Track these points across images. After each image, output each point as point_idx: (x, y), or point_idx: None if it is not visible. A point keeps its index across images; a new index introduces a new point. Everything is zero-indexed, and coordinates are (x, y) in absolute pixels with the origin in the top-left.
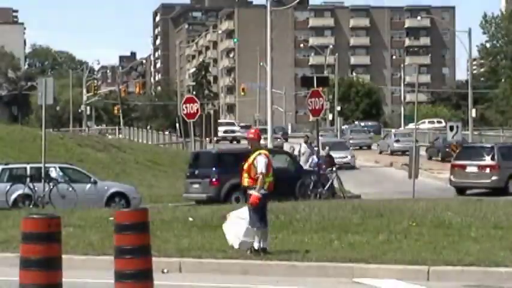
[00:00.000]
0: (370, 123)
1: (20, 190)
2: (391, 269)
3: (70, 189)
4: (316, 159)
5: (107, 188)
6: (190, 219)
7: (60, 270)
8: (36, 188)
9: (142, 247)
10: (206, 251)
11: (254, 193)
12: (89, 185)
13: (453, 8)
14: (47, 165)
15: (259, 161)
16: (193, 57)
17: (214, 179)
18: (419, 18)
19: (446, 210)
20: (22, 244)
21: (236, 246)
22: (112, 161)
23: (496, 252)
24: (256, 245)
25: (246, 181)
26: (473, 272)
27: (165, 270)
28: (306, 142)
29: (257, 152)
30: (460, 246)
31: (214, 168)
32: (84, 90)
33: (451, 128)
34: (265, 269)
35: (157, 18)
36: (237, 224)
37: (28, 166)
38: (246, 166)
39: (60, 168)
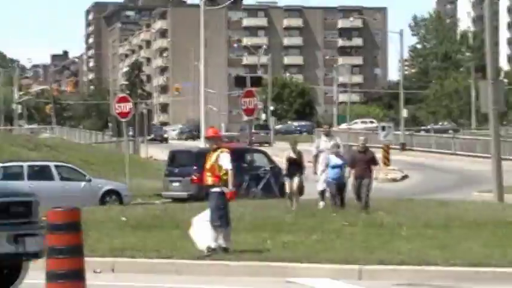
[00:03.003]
0: (303, 123)
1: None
2: (323, 268)
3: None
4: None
5: (100, 185)
6: (123, 219)
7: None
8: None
9: (75, 247)
10: (139, 251)
11: (227, 190)
12: (83, 183)
13: (385, 9)
14: (43, 163)
15: (224, 158)
16: (127, 56)
17: (195, 177)
18: (351, 19)
19: (378, 210)
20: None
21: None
22: (43, 160)
23: (426, 251)
24: (213, 244)
25: (209, 180)
26: (405, 271)
27: (98, 270)
28: (327, 135)
29: (219, 150)
30: (391, 246)
31: (195, 167)
32: (16, 89)
33: (383, 128)
34: (199, 268)
35: (90, 17)
36: (203, 227)
37: (25, 164)
38: (208, 165)
39: (56, 166)
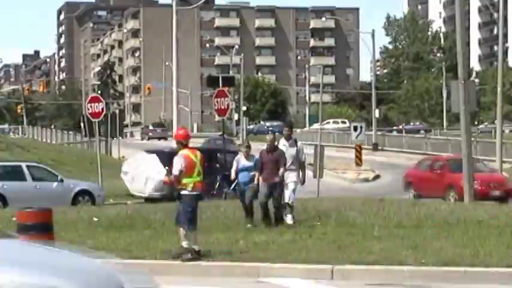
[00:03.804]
0: (275, 123)
1: None
2: (295, 268)
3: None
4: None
5: (73, 186)
6: (95, 219)
7: None
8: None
9: None
10: (111, 251)
11: (186, 192)
12: (55, 183)
13: (357, 9)
14: (15, 163)
15: (174, 162)
16: (98, 56)
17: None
18: (323, 19)
19: (350, 209)
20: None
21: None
22: (15, 160)
23: (398, 251)
24: (195, 246)
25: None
26: (376, 271)
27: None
28: (288, 139)
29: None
30: (363, 245)
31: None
32: None
33: (355, 129)
34: (171, 269)
35: (62, 17)
36: None
37: None
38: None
39: (27, 166)
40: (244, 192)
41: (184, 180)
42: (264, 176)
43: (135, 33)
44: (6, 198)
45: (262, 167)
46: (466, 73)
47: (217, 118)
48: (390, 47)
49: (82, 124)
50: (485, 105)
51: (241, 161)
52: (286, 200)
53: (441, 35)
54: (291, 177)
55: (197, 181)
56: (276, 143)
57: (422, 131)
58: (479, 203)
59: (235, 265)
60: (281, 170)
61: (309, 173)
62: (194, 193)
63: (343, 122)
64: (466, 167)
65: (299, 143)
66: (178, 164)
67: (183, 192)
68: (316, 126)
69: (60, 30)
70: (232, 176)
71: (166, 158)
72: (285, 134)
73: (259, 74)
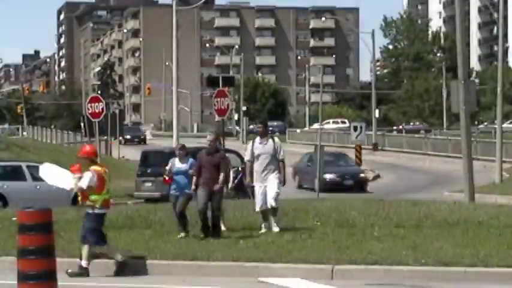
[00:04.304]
0: (275, 123)
1: None
2: (296, 268)
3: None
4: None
5: None
6: None
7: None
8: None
9: (46, 247)
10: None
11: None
12: None
13: (357, 9)
14: (15, 163)
15: (85, 176)
16: (98, 56)
17: (168, 178)
18: (323, 19)
19: (350, 209)
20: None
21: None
22: (15, 160)
23: (398, 251)
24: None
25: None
26: (376, 271)
27: (70, 271)
28: (262, 136)
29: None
30: (363, 246)
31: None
32: None
33: (355, 129)
34: (171, 269)
35: (62, 17)
36: None
37: None
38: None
39: (27, 166)
40: (177, 198)
41: (94, 197)
42: (202, 181)
43: (135, 33)
44: (6, 198)
45: (201, 170)
46: (466, 73)
47: (217, 118)
48: (390, 47)
49: (82, 124)
50: (485, 105)
51: (176, 163)
52: (269, 204)
53: (441, 35)
54: (270, 179)
55: (106, 198)
56: (218, 144)
57: (422, 131)
58: (479, 203)
59: (236, 265)
60: (221, 176)
61: None
62: (102, 211)
63: (343, 122)
64: (466, 167)
65: (276, 139)
66: (91, 179)
67: (90, 210)
68: (316, 126)
69: (60, 30)
70: (167, 178)
71: (167, 158)
72: (258, 131)
73: (259, 74)
